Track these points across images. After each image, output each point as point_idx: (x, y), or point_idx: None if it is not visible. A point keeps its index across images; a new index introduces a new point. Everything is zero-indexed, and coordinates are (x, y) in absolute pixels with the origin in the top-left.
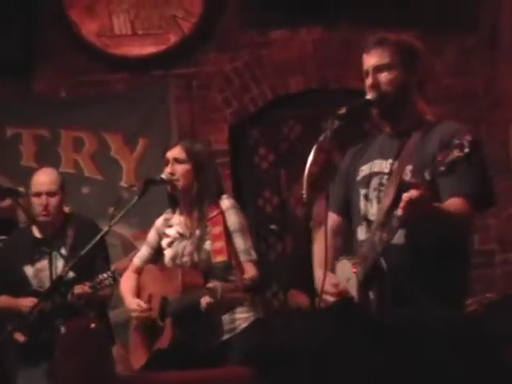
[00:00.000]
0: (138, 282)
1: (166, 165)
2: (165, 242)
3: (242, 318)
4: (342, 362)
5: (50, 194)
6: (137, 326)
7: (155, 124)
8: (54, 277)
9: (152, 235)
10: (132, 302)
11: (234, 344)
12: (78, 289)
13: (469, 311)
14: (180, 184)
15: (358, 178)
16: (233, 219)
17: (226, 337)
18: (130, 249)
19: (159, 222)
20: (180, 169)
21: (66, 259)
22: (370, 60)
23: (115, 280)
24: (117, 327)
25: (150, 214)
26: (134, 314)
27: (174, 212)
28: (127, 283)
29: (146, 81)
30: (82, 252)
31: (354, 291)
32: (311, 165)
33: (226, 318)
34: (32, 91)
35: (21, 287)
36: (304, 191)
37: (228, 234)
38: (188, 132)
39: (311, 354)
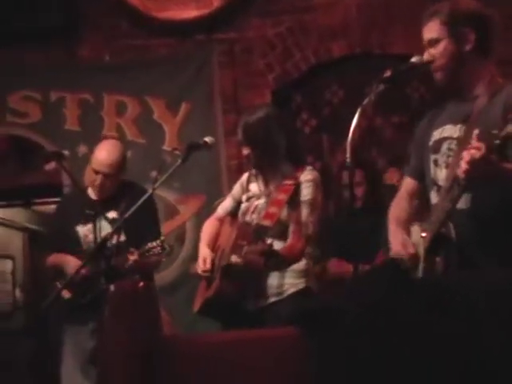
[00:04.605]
0: (218, 229)
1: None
2: (245, 196)
3: (291, 283)
4: (393, 324)
5: (106, 175)
6: None
7: (198, 89)
8: (98, 239)
9: (237, 188)
10: (202, 252)
11: (279, 308)
12: (127, 256)
13: None
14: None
15: (430, 143)
16: (306, 191)
17: (272, 299)
18: (172, 212)
19: (245, 175)
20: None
21: (114, 223)
22: (424, 34)
23: (164, 249)
24: (161, 290)
25: (191, 179)
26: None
27: None
28: (207, 229)
29: (189, 45)
30: (126, 215)
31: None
32: (355, 129)
33: (274, 281)
34: (76, 56)
35: (73, 246)
36: (348, 156)
37: (293, 205)
38: (230, 97)
39: (360, 315)
